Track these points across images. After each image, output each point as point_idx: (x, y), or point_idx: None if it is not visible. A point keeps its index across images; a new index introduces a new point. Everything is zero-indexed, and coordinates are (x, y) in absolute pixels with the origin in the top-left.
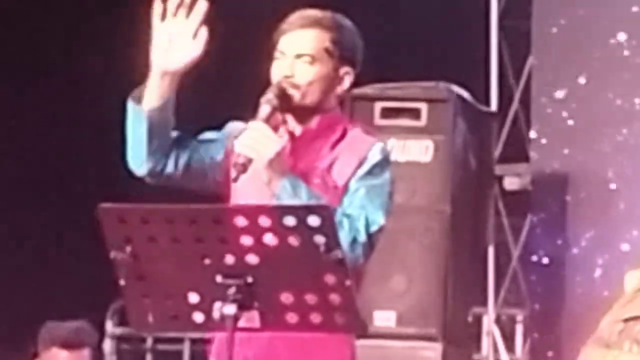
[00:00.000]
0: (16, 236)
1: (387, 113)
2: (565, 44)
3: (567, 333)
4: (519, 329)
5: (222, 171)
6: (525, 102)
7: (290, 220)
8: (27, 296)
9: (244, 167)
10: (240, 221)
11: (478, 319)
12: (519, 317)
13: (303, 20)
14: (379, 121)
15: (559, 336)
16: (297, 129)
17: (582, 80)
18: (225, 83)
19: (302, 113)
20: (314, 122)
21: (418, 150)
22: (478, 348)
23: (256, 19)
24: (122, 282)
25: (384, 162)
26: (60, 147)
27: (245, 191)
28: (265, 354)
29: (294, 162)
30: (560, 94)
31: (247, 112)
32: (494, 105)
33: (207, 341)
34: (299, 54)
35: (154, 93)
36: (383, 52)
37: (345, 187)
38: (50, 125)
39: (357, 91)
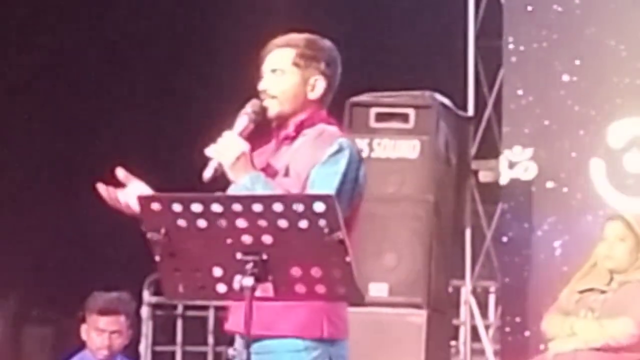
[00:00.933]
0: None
1: (380, 117)
2: (530, 59)
3: (532, 302)
4: (492, 299)
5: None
6: (497, 107)
7: (299, 207)
8: (79, 270)
9: (216, 171)
10: (257, 207)
11: (457, 290)
12: (492, 289)
13: (276, 43)
14: (373, 124)
15: (525, 305)
16: (281, 134)
17: (545, 90)
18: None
19: (282, 119)
20: (291, 126)
21: (407, 149)
22: (457, 314)
23: None
24: (157, 258)
25: (338, 153)
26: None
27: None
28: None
29: (276, 162)
30: (525, 101)
31: None
32: (470, 110)
33: (229, 309)
34: (272, 69)
35: None
36: (378, 66)
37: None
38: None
39: (355, 99)
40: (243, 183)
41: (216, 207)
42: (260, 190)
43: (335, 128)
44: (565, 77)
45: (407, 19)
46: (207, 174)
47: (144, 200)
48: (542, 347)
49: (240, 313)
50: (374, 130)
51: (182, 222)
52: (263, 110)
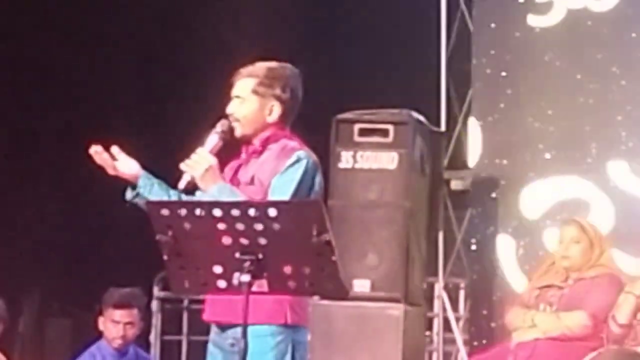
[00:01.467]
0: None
1: (363, 132)
2: (495, 81)
3: (497, 297)
4: (462, 294)
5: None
6: (466, 124)
7: (291, 212)
8: (96, 268)
9: (188, 183)
10: (252, 212)
11: (431, 286)
12: (462, 285)
13: (241, 72)
14: (357, 138)
15: (492, 299)
16: (249, 149)
17: (508, 108)
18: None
19: (247, 138)
20: (257, 143)
21: (386, 160)
22: (431, 308)
23: None
24: (165, 258)
25: (296, 163)
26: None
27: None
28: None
29: (236, 173)
30: (491, 119)
31: None
32: (443, 126)
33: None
34: (236, 95)
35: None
36: (361, 87)
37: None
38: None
39: (340, 116)
40: (211, 192)
41: (217, 212)
42: (225, 198)
43: (295, 143)
44: (525, 98)
45: (388, 45)
46: (181, 185)
47: (153, 206)
48: (505, 337)
49: (218, 305)
50: (358, 144)
51: (187, 225)
52: (231, 129)
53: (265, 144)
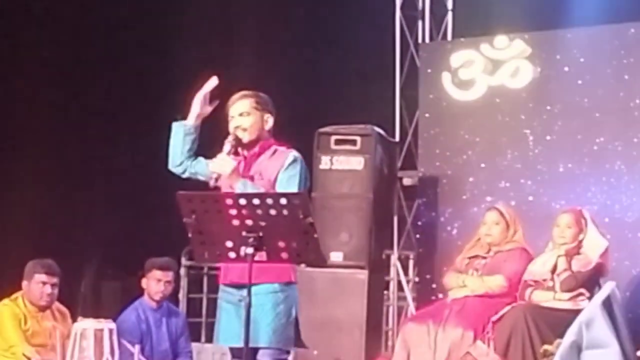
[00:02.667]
0: (133, 208)
1: (338, 142)
2: (436, 105)
3: (438, 265)
4: (411, 263)
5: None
6: (415, 136)
7: (283, 201)
8: (139, 242)
9: (217, 178)
10: (255, 201)
11: (388, 257)
12: (411, 256)
13: (238, 97)
14: (333, 147)
15: (433, 267)
16: (247, 154)
17: (446, 124)
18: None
19: (250, 144)
20: (257, 147)
21: (355, 163)
22: (388, 273)
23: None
24: (190, 235)
25: (295, 161)
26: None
27: (224, 189)
28: (242, 270)
29: (247, 171)
30: (433, 132)
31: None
32: (397, 137)
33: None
34: (240, 112)
35: (192, 118)
36: (338, 107)
37: (276, 180)
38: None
39: (321, 130)
40: (237, 186)
41: (229, 201)
42: (249, 189)
43: (284, 147)
44: (458, 116)
45: (357, 77)
46: (212, 183)
47: (182, 197)
48: (443, 295)
49: (232, 271)
50: (334, 151)
51: (206, 211)
52: (238, 140)
53: (262, 149)
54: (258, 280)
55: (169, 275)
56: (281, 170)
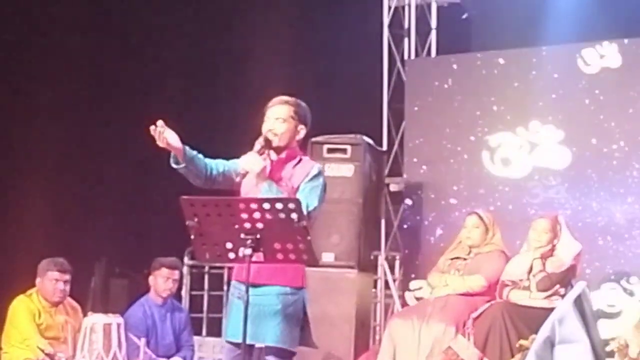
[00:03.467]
0: (139, 211)
1: (330, 150)
2: (421, 116)
3: (422, 265)
4: (397, 263)
5: (241, 177)
6: (401, 145)
7: (279, 205)
8: (145, 244)
9: (244, 175)
10: (253, 205)
11: (376, 258)
12: (397, 257)
13: (279, 101)
14: (325, 155)
15: (418, 267)
16: (275, 157)
17: (429, 135)
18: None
19: (278, 149)
20: (284, 154)
21: (346, 170)
22: (376, 272)
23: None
24: (192, 237)
25: (319, 174)
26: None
27: (247, 186)
28: (258, 271)
29: (273, 174)
30: (418, 141)
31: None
32: (385, 147)
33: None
34: (277, 117)
35: (179, 156)
36: (330, 119)
37: (299, 188)
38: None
39: (314, 139)
40: (264, 186)
41: (228, 206)
42: (274, 192)
43: (308, 157)
44: (440, 127)
45: (348, 90)
46: (238, 179)
47: (185, 201)
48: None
49: (243, 270)
50: (326, 159)
51: (207, 215)
52: (267, 141)
53: (292, 156)
54: (271, 282)
55: (176, 274)
56: (305, 180)
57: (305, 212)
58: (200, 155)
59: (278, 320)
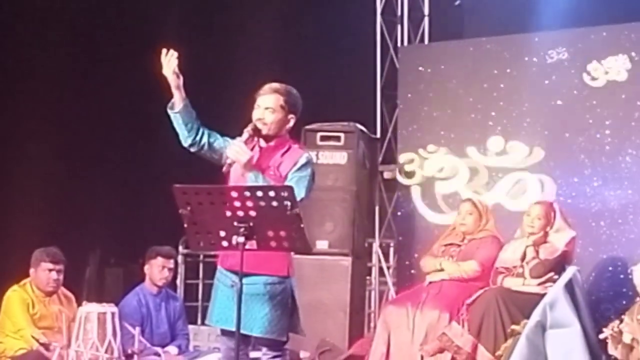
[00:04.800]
0: (133, 202)
1: (323, 138)
2: (414, 103)
3: (416, 252)
4: (391, 250)
5: (228, 166)
6: (394, 133)
7: (272, 193)
8: (139, 233)
9: (230, 165)
10: (246, 193)
11: (370, 245)
12: (391, 244)
13: (269, 89)
14: (319, 142)
15: (412, 253)
16: (264, 144)
17: (422, 121)
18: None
19: (267, 137)
20: (273, 142)
21: (339, 157)
22: (370, 260)
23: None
24: (185, 225)
25: (307, 164)
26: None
27: (234, 175)
28: (245, 260)
29: (261, 161)
30: (411, 128)
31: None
32: (378, 134)
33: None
34: (266, 107)
35: (177, 100)
36: (323, 106)
37: (287, 176)
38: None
39: (308, 127)
40: (250, 176)
41: (221, 194)
42: (261, 182)
43: (297, 145)
44: (435, 114)
45: (341, 78)
46: (225, 169)
47: (178, 190)
48: (421, 280)
49: (233, 257)
50: (320, 146)
51: (200, 203)
52: (256, 130)
53: (281, 144)
54: (256, 271)
55: (171, 263)
56: (293, 169)
57: None
58: (194, 113)
59: (266, 311)
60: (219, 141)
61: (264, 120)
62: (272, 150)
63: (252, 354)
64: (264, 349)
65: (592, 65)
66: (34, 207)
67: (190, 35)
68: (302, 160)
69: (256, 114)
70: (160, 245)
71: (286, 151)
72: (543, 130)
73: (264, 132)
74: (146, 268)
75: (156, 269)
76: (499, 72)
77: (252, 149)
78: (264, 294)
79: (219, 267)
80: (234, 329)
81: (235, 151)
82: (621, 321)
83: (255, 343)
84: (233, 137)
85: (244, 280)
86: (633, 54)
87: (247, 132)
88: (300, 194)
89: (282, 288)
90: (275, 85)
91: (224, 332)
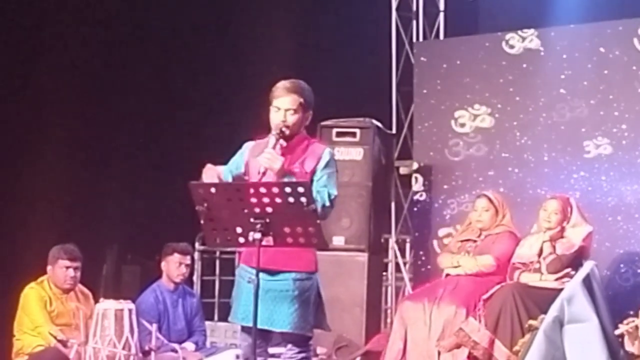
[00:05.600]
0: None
1: (339, 134)
2: (430, 99)
3: (432, 248)
4: (408, 246)
5: (245, 169)
6: (410, 128)
7: (288, 189)
8: (156, 231)
9: (264, 174)
10: (262, 190)
11: (386, 241)
12: (408, 240)
13: (285, 90)
14: (335, 139)
15: (428, 249)
16: (284, 144)
17: (438, 117)
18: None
19: (289, 137)
20: (294, 140)
21: (355, 154)
22: (386, 256)
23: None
24: (202, 222)
25: (332, 159)
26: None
27: (254, 174)
28: (272, 257)
29: (286, 162)
30: (427, 124)
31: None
32: (394, 130)
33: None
34: (287, 108)
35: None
36: (340, 102)
37: (312, 173)
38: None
39: (323, 123)
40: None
41: (237, 190)
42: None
43: (315, 140)
44: (449, 110)
45: (357, 73)
46: (259, 179)
47: (194, 187)
48: (437, 276)
49: (254, 256)
50: (335, 142)
51: (217, 200)
52: (282, 133)
53: (301, 140)
54: (287, 268)
55: (188, 259)
56: (320, 166)
57: (328, 201)
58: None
59: (296, 307)
60: (232, 172)
61: (287, 123)
62: (294, 147)
63: (272, 350)
64: (289, 345)
65: (606, 59)
66: (51, 204)
67: (204, 30)
68: (327, 156)
69: (278, 117)
70: (177, 242)
71: (307, 146)
72: (559, 125)
73: (287, 133)
74: (163, 265)
75: (173, 266)
76: (515, 67)
77: (285, 157)
78: (293, 290)
79: (241, 264)
80: (266, 327)
81: (268, 159)
82: (637, 316)
83: (282, 340)
84: (239, 145)
85: (273, 277)
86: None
87: (274, 137)
88: (333, 191)
89: (310, 284)
90: (288, 84)
91: (245, 329)
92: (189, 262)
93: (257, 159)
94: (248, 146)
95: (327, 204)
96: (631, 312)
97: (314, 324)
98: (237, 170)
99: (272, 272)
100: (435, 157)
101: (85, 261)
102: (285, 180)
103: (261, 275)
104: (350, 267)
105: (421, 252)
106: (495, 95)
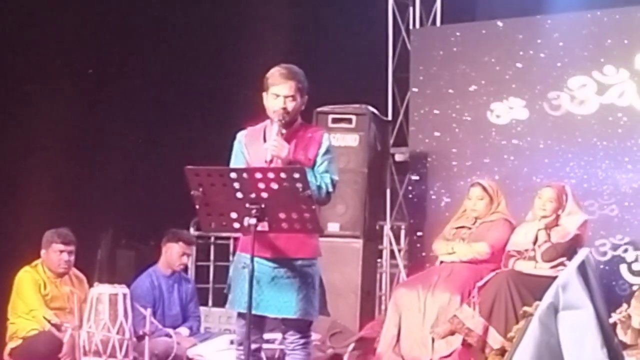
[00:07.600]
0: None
1: (335, 120)
2: (426, 86)
3: (427, 235)
4: (402, 233)
5: (247, 157)
6: (406, 115)
7: (283, 175)
8: (151, 215)
9: (271, 161)
10: (258, 175)
11: (381, 227)
12: (403, 226)
13: (281, 76)
14: (330, 125)
15: (423, 236)
16: (284, 131)
17: (434, 104)
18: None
19: (288, 124)
20: (293, 127)
21: (351, 140)
22: (381, 242)
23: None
24: (197, 207)
25: (331, 145)
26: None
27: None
28: (271, 243)
29: (290, 148)
30: (422, 111)
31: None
32: (389, 116)
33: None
34: (286, 95)
35: None
36: (335, 88)
37: (315, 157)
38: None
39: (319, 109)
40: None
41: (233, 175)
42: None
43: (312, 125)
44: (445, 97)
45: (353, 60)
46: (267, 158)
47: (190, 171)
48: (431, 263)
49: (263, 245)
50: (331, 129)
51: (212, 184)
52: (283, 119)
53: (298, 127)
54: (298, 255)
55: (191, 249)
56: (320, 152)
57: (331, 186)
58: None
59: (304, 293)
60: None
61: (288, 109)
62: (294, 134)
63: (267, 336)
64: (291, 331)
65: (602, 47)
66: (45, 188)
67: (199, 17)
68: (326, 142)
69: (277, 104)
70: (172, 228)
71: (304, 132)
72: (555, 113)
73: (287, 119)
74: (164, 250)
75: (175, 254)
76: (512, 54)
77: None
78: (300, 277)
79: (239, 252)
80: (263, 313)
81: (275, 147)
82: (629, 305)
83: (284, 326)
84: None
85: (278, 264)
86: None
87: (277, 125)
88: (335, 176)
89: (314, 270)
90: (284, 70)
91: (241, 315)
92: (191, 252)
93: (263, 147)
94: (243, 134)
95: (330, 189)
96: (623, 301)
97: (318, 309)
98: (243, 161)
99: (278, 261)
100: (431, 144)
101: (79, 245)
102: None
103: (267, 263)
104: (345, 253)
105: (416, 239)
106: (492, 83)
